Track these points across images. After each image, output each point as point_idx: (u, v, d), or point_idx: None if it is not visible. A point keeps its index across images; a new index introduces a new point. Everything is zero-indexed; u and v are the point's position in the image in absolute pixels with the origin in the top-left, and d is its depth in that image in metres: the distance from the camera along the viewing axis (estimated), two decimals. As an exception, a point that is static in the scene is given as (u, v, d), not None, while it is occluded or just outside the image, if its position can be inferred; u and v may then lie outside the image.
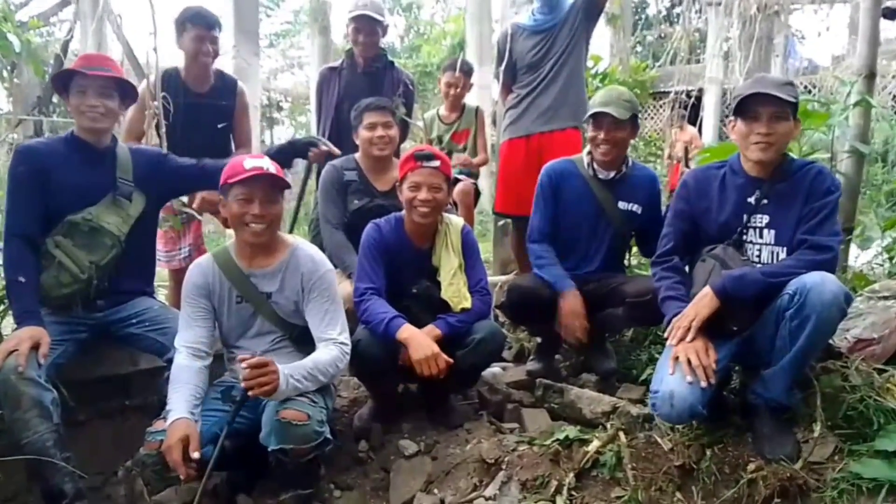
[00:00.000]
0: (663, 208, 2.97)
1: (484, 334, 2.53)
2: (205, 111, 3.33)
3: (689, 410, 2.05)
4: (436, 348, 2.40)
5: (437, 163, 2.57)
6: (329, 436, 2.20)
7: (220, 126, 3.40)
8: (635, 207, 2.94)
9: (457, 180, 4.07)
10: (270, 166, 2.25)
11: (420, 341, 2.41)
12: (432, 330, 2.49)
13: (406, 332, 2.42)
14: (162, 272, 3.59)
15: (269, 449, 2.13)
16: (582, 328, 2.72)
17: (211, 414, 2.23)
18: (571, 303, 2.73)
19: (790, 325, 2.03)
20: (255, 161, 2.26)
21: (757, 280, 2.14)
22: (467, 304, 2.58)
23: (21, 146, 2.51)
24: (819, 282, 1.99)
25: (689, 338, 2.12)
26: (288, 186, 2.30)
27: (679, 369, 2.09)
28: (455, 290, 2.58)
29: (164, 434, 2.05)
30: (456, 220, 2.74)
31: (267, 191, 2.24)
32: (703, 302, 2.15)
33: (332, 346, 2.29)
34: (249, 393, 2.06)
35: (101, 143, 2.51)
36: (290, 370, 2.14)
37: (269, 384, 2.05)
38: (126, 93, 2.53)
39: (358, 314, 2.53)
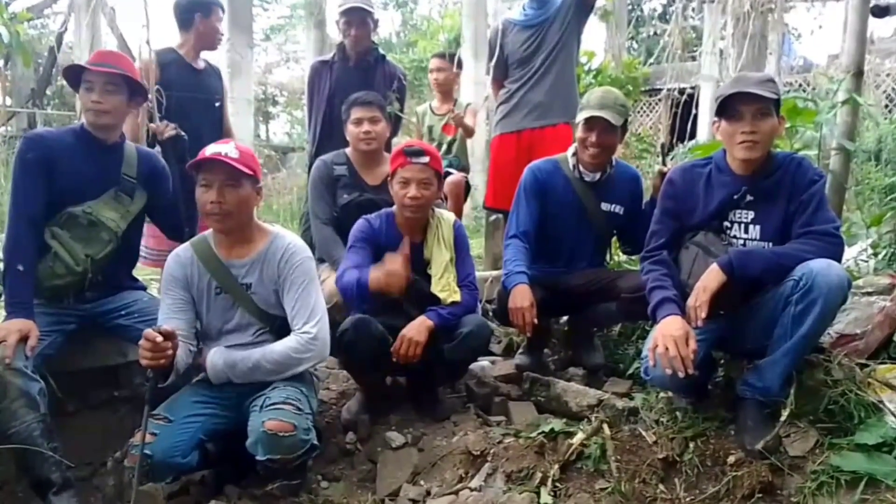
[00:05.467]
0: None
1: (471, 328, 2.55)
2: (203, 86, 3.50)
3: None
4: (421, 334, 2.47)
5: (426, 159, 2.57)
6: (315, 442, 2.22)
7: (216, 104, 3.56)
8: (617, 208, 2.95)
9: (448, 173, 4.08)
10: (232, 151, 2.22)
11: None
12: (424, 321, 2.50)
13: (375, 275, 2.46)
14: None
15: (257, 458, 2.14)
16: (529, 325, 2.64)
17: (193, 420, 2.21)
18: (517, 299, 2.66)
19: (794, 309, 2.04)
20: (217, 146, 2.24)
21: (763, 256, 2.18)
22: (457, 297, 2.59)
23: (30, 133, 2.54)
24: (825, 266, 2.02)
25: (703, 314, 2.12)
26: (249, 174, 2.24)
27: (659, 360, 2.11)
28: (445, 284, 2.60)
29: (146, 447, 2.04)
30: (448, 215, 2.75)
31: (225, 177, 2.20)
32: (711, 276, 2.16)
33: (293, 336, 2.28)
34: (142, 362, 2.02)
35: (109, 138, 2.51)
36: (230, 359, 2.23)
37: (160, 360, 2.01)
38: (135, 91, 2.53)
39: (340, 292, 2.56)
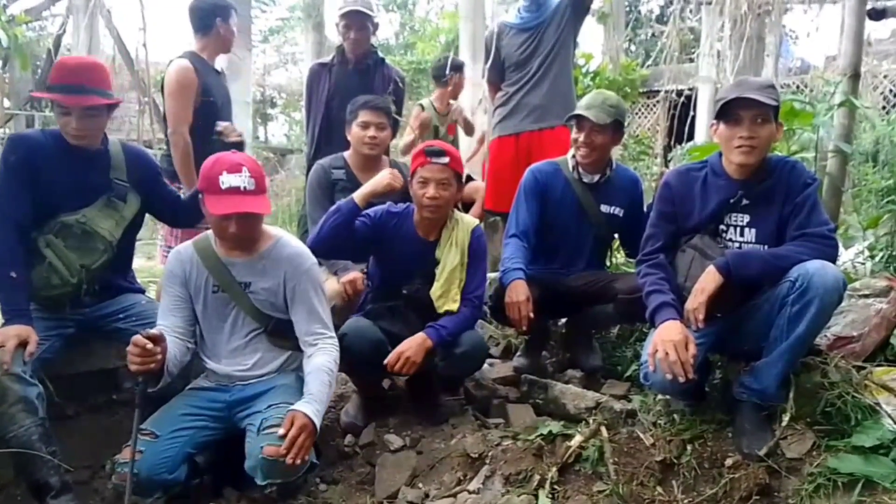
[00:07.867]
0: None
1: (466, 348, 2.54)
2: (224, 89, 3.54)
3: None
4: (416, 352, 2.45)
5: (446, 159, 2.52)
6: (315, 460, 2.22)
7: (229, 106, 3.58)
8: (617, 210, 2.96)
9: (469, 178, 4.11)
10: (248, 182, 2.16)
11: None
12: (424, 340, 2.47)
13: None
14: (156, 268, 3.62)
15: (256, 482, 2.14)
16: (524, 318, 2.63)
17: (180, 434, 2.20)
18: (513, 293, 2.66)
19: (790, 310, 2.05)
20: (232, 178, 2.15)
21: (759, 257, 2.19)
22: (454, 306, 2.55)
23: (13, 135, 2.48)
24: (821, 267, 2.03)
25: (700, 317, 2.13)
26: (268, 211, 2.23)
27: (659, 365, 2.12)
28: (445, 290, 2.56)
29: (133, 465, 2.03)
30: (468, 220, 2.69)
31: (245, 212, 2.18)
32: (708, 279, 2.17)
33: (328, 345, 2.30)
34: (131, 368, 2.01)
35: (91, 146, 2.46)
36: (317, 397, 2.16)
37: (149, 365, 2.01)
38: (112, 105, 2.47)
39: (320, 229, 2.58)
